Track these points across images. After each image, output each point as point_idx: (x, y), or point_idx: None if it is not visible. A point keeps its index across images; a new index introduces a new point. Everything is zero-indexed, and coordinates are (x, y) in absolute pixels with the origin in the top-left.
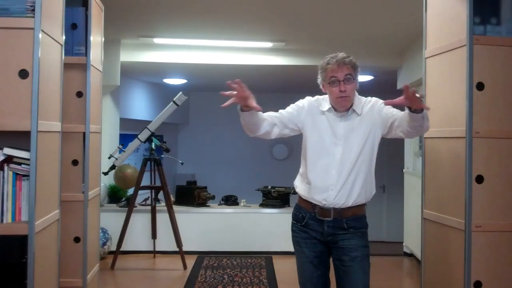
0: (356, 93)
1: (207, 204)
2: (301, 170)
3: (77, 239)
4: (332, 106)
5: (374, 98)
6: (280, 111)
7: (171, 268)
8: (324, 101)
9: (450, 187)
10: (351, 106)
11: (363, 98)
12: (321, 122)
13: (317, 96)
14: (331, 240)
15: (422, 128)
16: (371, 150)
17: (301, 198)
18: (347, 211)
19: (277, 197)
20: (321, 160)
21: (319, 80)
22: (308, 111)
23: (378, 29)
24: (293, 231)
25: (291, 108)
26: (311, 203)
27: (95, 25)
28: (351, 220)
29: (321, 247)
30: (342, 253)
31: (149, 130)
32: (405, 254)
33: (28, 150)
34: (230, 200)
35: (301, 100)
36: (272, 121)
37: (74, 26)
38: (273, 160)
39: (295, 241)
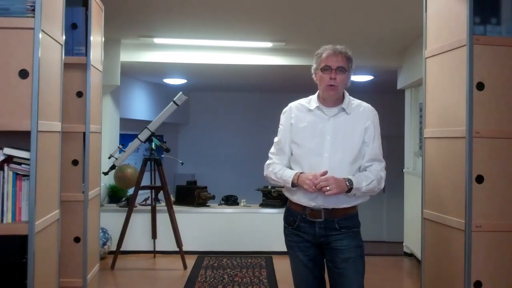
0: (347, 93)
1: (207, 204)
2: None
3: (77, 239)
4: (320, 102)
5: (368, 107)
6: (276, 148)
7: (171, 268)
8: (311, 101)
9: (450, 187)
10: (341, 104)
11: (355, 100)
12: (306, 121)
13: (298, 100)
14: (324, 242)
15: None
16: (360, 154)
17: (291, 201)
18: (338, 210)
19: (277, 197)
20: (308, 160)
21: (313, 68)
22: (293, 118)
23: (378, 29)
24: (285, 234)
25: (282, 136)
26: (301, 205)
27: (95, 25)
28: (342, 219)
29: (314, 250)
30: (334, 255)
31: (149, 130)
32: (405, 254)
33: (28, 150)
34: (230, 200)
35: (282, 116)
36: (287, 165)
37: (74, 26)
38: None
39: (288, 245)
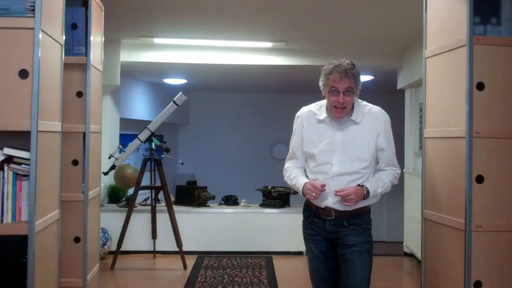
0: (357, 99)
1: (207, 204)
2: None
3: (77, 239)
4: (329, 113)
5: (379, 111)
6: (290, 153)
7: (171, 268)
8: (321, 109)
9: (450, 187)
10: (350, 114)
11: (365, 106)
12: (318, 130)
13: (310, 106)
14: (334, 237)
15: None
16: (372, 159)
17: (307, 198)
18: (348, 211)
19: (277, 197)
20: (318, 168)
21: (320, 83)
22: (306, 125)
23: (378, 29)
24: (303, 227)
25: (294, 142)
26: (314, 204)
27: (95, 25)
28: (351, 217)
29: (325, 244)
30: (343, 248)
31: (149, 130)
32: (405, 254)
33: (28, 150)
34: (230, 200)
35: (295, 121)
36: (302, 167)
37: (74, 26)
38: (273, 160)
39: (304, 237)
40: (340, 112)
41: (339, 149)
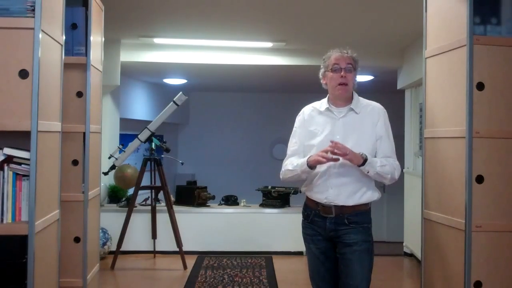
0: (356, 94)
1: (207, 204)
2: None
3: (77, 239)
4: (330, 103)
5: (377, 106)
6: (290, 150)
7: (171, 268)
8: (322, 103)
9: (450, 187)
10: (350, 104)
11: (364, 100)
12: (318, 122)
13: (311, 104)
14: (334, 235)
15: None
16: (372, 151)
17: (307, 197)
18: (349, 208)
19: (277, 197)
20: None
21: (321, 72)
22: (307, 118)
23: (378, 29)
24: (302, 228)
25: (296, 138)
26: (314, 201)
27: (95, 25)
28: (352, 215)
29: (325, 243)
30: (343, 247)
31: (149, 130)
32: (405, 254)
33: (28, 150)
34: (230, 200)
35: (297, 119)
36: None
37: (74, 26)
38: (273, 160)
39: (304, 237)
40: (343, 89)
41: (339, 139)
